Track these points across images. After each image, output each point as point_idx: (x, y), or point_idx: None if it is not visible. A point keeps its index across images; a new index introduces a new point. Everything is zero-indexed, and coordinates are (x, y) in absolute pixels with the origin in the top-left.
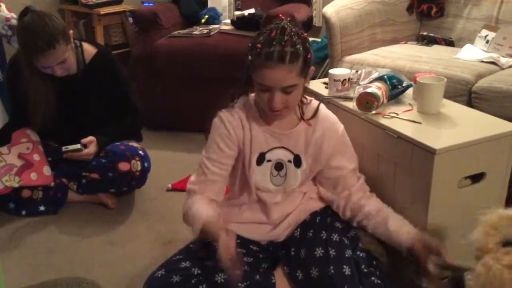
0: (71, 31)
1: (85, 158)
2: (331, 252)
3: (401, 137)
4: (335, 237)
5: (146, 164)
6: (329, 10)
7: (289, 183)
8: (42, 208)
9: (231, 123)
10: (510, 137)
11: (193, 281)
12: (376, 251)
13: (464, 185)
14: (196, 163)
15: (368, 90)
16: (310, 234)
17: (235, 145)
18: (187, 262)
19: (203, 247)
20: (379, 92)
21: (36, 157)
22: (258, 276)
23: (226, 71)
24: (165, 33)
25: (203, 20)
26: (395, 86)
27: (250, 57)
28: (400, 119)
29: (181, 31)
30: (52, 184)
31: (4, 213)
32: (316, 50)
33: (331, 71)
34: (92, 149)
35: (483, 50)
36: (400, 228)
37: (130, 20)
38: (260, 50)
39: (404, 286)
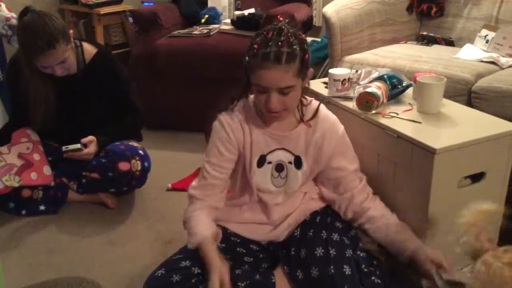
0: (71, 31)
1: (85, 157)
2: (331, 251)
3: (401, 137)
4: (335, 236)
5: (146, 164)
6: (329, 10)
7: (290, 185)
8: (42, 207)
9: (231, 127)
10: (510, 137)
11: (193, 281)
12: (376, 251)
13: (464, 185)
14: (196, 162)
15: (368, 89)
16: (310, 233)
17: (235, 149)
18: (187, 262)
19: None
20: (379, 92)
21: (36, 156)
22: (258, 276)
23: (226, 71)
24: (165, 33)
25: (203, 20)
26: (395, 85)
27: (247, 58)
28: (400, 119)
29: (181, 31)
30: (52, 183)
31: (4, 213)
32: (316, 50)
33: (331, 70)
34: (92, 148)
35: (483, 50)
36: (402, 236)
37: (130, 20)
38: (257, 51)
39: (404, 286)
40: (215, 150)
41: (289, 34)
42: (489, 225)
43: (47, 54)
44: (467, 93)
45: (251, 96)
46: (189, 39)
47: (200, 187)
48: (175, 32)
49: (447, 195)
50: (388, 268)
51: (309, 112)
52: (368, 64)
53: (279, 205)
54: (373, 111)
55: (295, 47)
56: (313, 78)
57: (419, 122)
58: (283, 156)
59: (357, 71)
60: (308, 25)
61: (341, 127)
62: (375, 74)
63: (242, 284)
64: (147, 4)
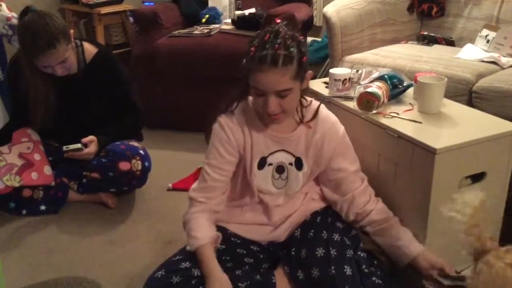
0: (71, 31)
1: (86, 157)
2: (332, 252)
3: (401, 137)
4: (336, 237)
5: (146, 164)
6: (329, 9)
7: (290, 186)
8: (42, 207)
9: (231, 129)
10: (511, 137)
11: (193, 282)
12: (377, 251)
13: (464, 185)
14: (196, 162)
15: (369, 89)
16: (311, 234)
17: (235, 151)
18: (187, 263)
19: None
20: (379, 92)
21: (36, 156)
22: (258, 276)
23: (226, 70)
24: (165, 32)
25: (203, 20)
26: (396, 85)
27: (244, 60)
28: (401, 119)
29: (182, 31)
30: (53, 183)
31: (5, 213)
32: (316, 49)
33: (331, 70)
34: (92, 148)
35: (484, 49)
36: (402, 243)
37: (131, 19)
38: (254, 54)
39: (404, 286)
40: (215, 152)
41: (286, 36)
42: (489, 226)
43: (47, 54)
44: (467, 93)
45: (251, 98)
46: (190, 39)
47: (201, 190)
48: (176, 32)
49: (447, 195)
50: (388, 268)
51: (309, 113)
52: (369, 64)
53: (280, 206)
54: (374, 111)
55: (292, 49)
56: (314, 78)
57: (420, 122)
58: (284, 158)
59: (357, 71)
60: (308, 25)
61: (341, 128)
62: (375, 74)
63: (243, 285)
64: (148, 4)
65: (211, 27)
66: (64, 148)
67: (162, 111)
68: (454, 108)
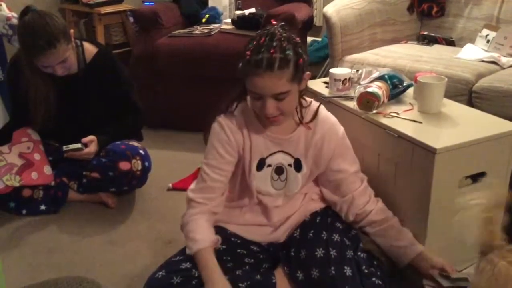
0: (72, 31)
1: (86, 157)
2: (332, 252)
3: (401, 137)
4: (336, 237)
5: (146, 164)
6: (329, 9)
7: (290, 187)
8: (42, 207)
9: (230, 129)
10: (511, 137)
11: (193, 282)
12: (377, 251)
13: (464, 185)
14: (196, 162)
15: (369, 89)
16: (311, 234)
17: (234, 151)
18: (188, 263)
19: None
20: (379, 92)
21: (36, 156)
22: (258, 276)
23: (226, 70)
24: (165, 32)
25: (203, 20)
26: (396, 85)
27: (240, 64)
28: (401, 119)
29: (182, 31)
30: (53, 183)
31: (5, 213)
32: (316, 49)
33: (331, 70)
34: (92, 148)
35: (484, 49)
36: (402, 243)
37: (131, 19)
38: (249, 58)
39: (404, 286)
40: (215, 152)
41: (282, 39)
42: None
43: (47, 54)
44: (468, 93)
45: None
46: (190, 39)
47: (199, 190)
48: (176, 32)
49: (447, 195)
50: (388, 268)
51: (309, 114)
52: (369, 64)
53: (279, 207)
54: (374, 111)
55: (288, 52)
56: (314, 78)
57: (420, 122)
58: (283, 159)
59: (357, 71)
60: (308, 25)
61: (341, 129)
62: (375, 74)
63: (243, 285)
64: (148, 3)
65: (211, 27)
66: (64, 148)
67: (162, 111)
68: (454, 108)
